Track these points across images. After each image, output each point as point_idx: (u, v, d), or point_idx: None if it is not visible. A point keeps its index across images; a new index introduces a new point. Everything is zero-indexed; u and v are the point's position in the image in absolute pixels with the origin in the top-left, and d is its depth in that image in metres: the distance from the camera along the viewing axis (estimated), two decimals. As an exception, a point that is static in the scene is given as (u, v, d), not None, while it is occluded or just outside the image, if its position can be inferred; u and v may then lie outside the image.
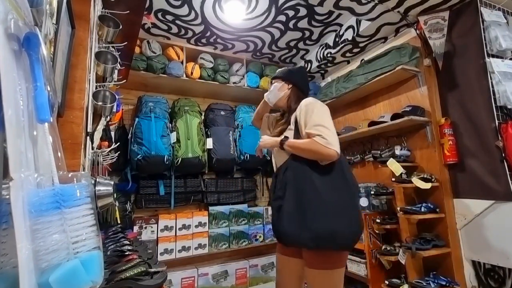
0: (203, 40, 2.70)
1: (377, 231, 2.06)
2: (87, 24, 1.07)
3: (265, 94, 1.54)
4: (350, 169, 1.28)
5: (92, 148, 1.17)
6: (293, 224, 1.17)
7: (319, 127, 1.19)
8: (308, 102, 1.30)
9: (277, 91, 1.46)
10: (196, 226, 2.69)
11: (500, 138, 1.68)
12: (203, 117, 2.92)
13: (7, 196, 0.38)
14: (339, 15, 2.36)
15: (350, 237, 1.16)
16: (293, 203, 1.20)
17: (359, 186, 2.25)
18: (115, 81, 1.46)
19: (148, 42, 2.56)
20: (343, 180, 1.20)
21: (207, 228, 2.73)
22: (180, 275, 2.51)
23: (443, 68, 1.96)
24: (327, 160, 1.18)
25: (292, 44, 2.81)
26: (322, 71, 3.08)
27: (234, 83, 2.93)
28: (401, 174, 1.92)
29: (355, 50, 2.63)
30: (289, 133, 1.34)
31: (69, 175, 0.51)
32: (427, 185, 1.84)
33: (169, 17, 2.33)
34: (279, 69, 1.54)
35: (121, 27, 1.36)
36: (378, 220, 2.03)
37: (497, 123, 1.70)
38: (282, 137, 1.32)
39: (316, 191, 1.16)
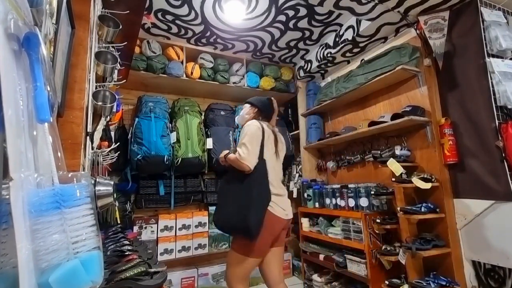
0: (203, 40, 2.70)
1: (377, 231, 2.06)
2: (87, 24, 1.07)
3: (235, 117, 1.84)
4: (263, 180, 1.55)
5: (92, 148, 1.17)
6: (218, 215, 1.64)
7: (242, 145, 1.54)
8: (248, 123, 1.63)
9: (244, 115, 1.77)
10: (196, 226, 2.69)
11: (500, 138, 1.68)
12: (203, 117, 2.92)
13: (7, 196, 0.38)
14: (339, 15, 2.36)
15: (238, 228, 1.49)
16: (220, 201, 1.73)
17: (359, 186, 2.27)
18: (115, 81, 1.46)
19: (148, 42, 2.56)
20: (249, 185, 1.51)
21: (207, 228, 2.73)
22: (180, 275, 2.52)
23: (443, 68, 1.95)
24: (244, 171, 1.52)
25: (292, 44, 2.81)
26: (322, 71, 3.08)
27: (234, 83, 2.93)
28: (401, 174, 1.92)
29: (355, 50, 2.63)
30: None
31: (69, 175, 0.51)
32: (427, 185, 1.84)
33: (169, 17, 2.33)
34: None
35: (121, 27, 1.36)
36: (378, 220, 2.02)
37: (497, 123, 1.70)
38: (227, 152, 1.65)
39: (230, 191, 1.59)
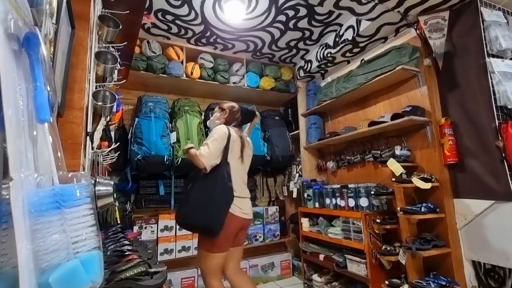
0: (203, 40, 2.70)
1: (377, 231, 2.06)
2: (87, 24, 1.07)
3: (208, 121, 1.98)
4: (226, 182, 1.61)
5: (92, 148, 1.18)
6: (180, 213, 1.68)
7: (205, 144, 1.64)
8: (216, 128, 1.73)
9: (215, 120, 1.86)
10: (196, 226, 2.69)
11: (500, 138, 1.68)
12: (203, 117, 2.92)
13: (7, 196, 0.38)
14: (339, 15, 2.36)
15: (199, 226, 1.59)
16: (183, 200, 1.77)
17: (359, 186, 2.27)
18: (115, 81, 1.46)
19: (148, 42, 2.56)
20: (212, 186, 1.59)
21: (207, 228, 2.73)
22: (180, 275, 2.52)
23: (443, 68, 1.95)
24: (199, 168, 1.62)
25: (292, 44, 2.81)
26: (322, 71, 3.08)
27: (234, 83, 2.93)
28: (401, 174, 1.92)
29: (355, 50, 2.63)
30: None
31: (69, 175, 0.51)
32: (427, 185, 1.84)
33: (169, 17, 2.33)
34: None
35: (121, 27, 1.36)
36: (378, 220, 2.02)
37: (497, 123, 1.70)
38: (191, 146, 1.69)
39: (193, 190, 1.64)
